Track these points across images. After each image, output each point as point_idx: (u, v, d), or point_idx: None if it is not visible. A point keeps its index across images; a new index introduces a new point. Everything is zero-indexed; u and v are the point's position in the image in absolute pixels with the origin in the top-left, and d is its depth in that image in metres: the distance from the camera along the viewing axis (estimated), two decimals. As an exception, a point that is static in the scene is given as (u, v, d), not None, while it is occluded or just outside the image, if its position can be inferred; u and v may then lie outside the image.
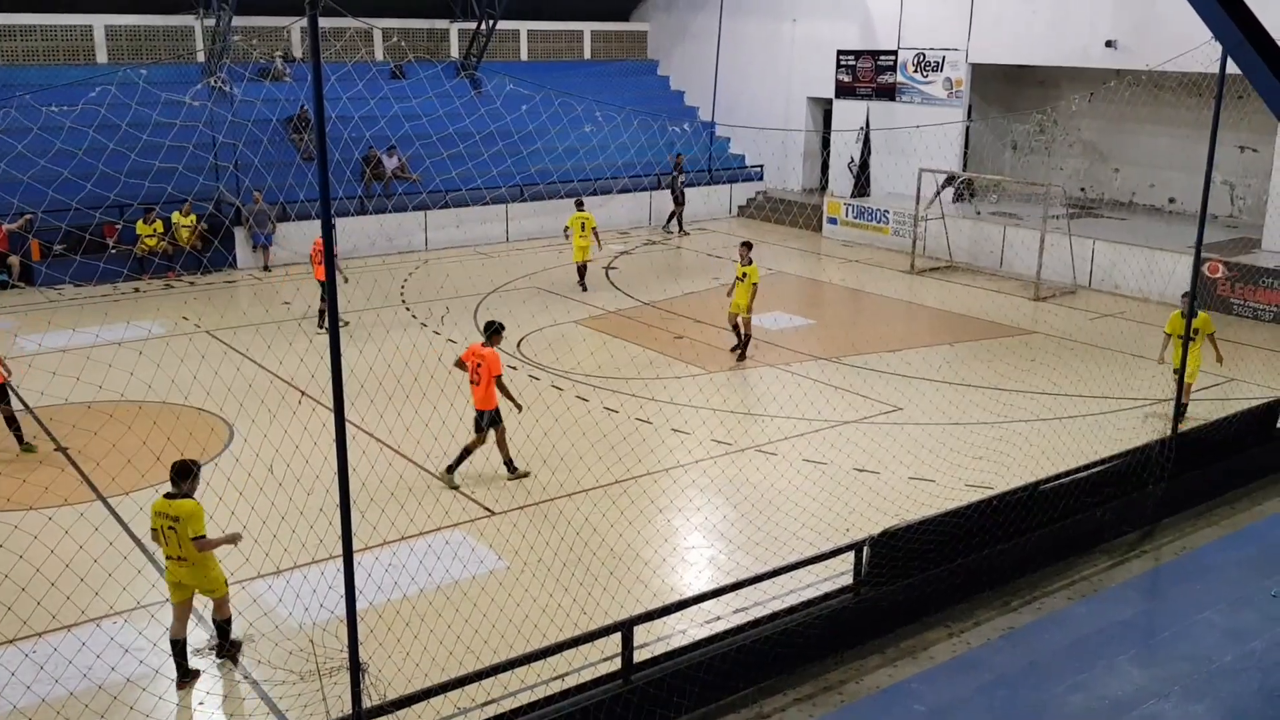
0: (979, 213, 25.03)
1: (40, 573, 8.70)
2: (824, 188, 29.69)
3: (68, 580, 8.82)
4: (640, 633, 8.21)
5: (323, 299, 17.90)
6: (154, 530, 8.56)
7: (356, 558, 7.22)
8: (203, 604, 9.39)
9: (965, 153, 26.56)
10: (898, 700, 6.78)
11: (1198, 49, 12.59)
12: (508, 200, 26.23)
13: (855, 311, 21.43)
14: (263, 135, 23.11)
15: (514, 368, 15.77)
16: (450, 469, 12.25)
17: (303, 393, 13.83)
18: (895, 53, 27.58)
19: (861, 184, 27.82)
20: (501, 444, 12.43)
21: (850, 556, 9.26)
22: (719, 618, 9.14)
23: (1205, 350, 13.94)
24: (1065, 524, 10.59)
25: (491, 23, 29.18)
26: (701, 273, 23.25)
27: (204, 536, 8.41)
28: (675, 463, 12.97)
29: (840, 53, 28.86)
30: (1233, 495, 12.26)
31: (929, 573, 9.52)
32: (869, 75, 28.29)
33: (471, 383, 12.25)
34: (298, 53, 27.88)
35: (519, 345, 17.23)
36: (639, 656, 8.17)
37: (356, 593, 6.92)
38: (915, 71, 27.23)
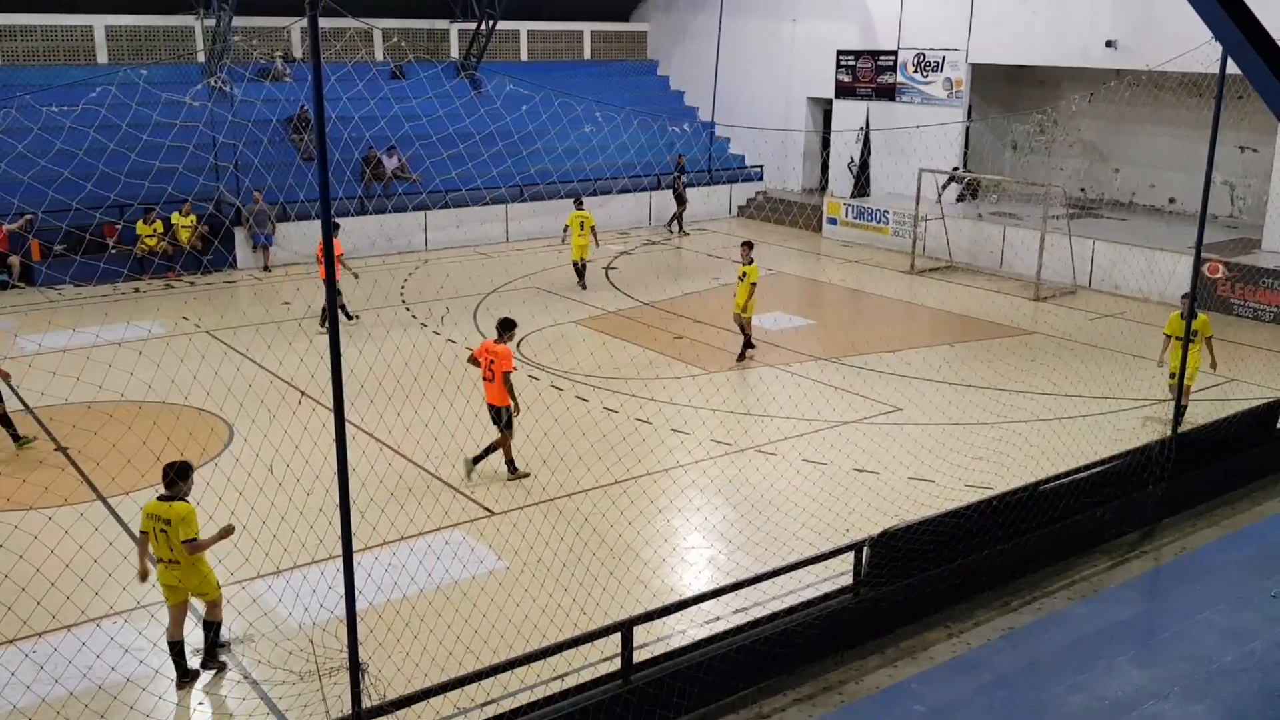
0: (980, 215, 25.02)
1: (40, 573, 8.70)
2: (824, 188, 29.70)
3: (68, 580, 8.82)
4: (640, 633, 8.20)
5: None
6: (143, 532, 8.48)
7: (356, 558, 7.22)
8: (201, 603, 9.39)
9: (965, 153, 26.57)
10: (897, 700, 6.78)
11: (1198, 49, 12.58)
12: (507, 200, 26.23)
13: (855, 312, 21.43)
14: (263, 135, 23.11)
15: (515, 368, 15.76)
16: (475, 460, 12.35)
17: (302, 393, 13.83)
18: (895, 53, 27.58)
19: (861, 184, 27.81)
20: (505, 444, 12.43)
21: (850, 557, 9.25)
22: (719, 618, 9.14)
23: (1203, 353, 13.94)
24: (1065, 524, 10.59)
25: (491, 23, 29.18)
26: (701, 273, 23.25)
27: (196, 539, 8.34)
28: (675, 463, 12.97)
29: (840, 53, 28.87)
30: (1233, 495, 12.26)
31: (929, 573, 9.52)
32: (869, 75, 28.30)
33: (485, 379, 12.30)
34: (298, 53, 27.88)
35: (519, 345, 17.23)
36: (639, 657, 8.16)
37: (356, 593, 6.92)
38: (915, 72, 27.23)
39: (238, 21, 25.19)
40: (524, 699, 7.82)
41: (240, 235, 23.17)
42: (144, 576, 8.54)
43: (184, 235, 22.24)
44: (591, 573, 9.92)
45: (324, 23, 6.07)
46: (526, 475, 12.45)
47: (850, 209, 27.28)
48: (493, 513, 11.62)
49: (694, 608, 8.86)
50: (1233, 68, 7.05)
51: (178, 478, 8.44)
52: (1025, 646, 7.44)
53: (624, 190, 27.45)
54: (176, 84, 22.54)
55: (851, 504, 11.43)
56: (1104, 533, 11.02)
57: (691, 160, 29.19)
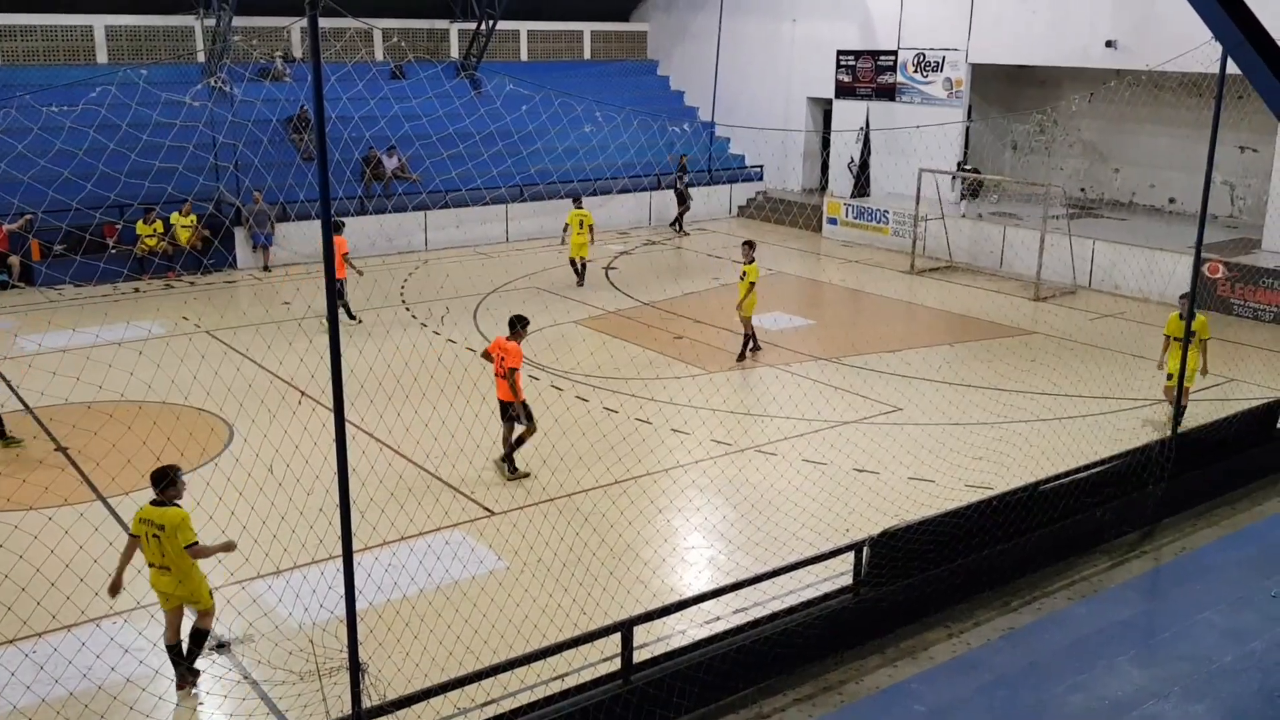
0: (980, 215, 25.03)
1: (40, 573, 8.70)
2: (824, 188, 29.69)
3: (68, 580, 8.81)
4: (640, 633, 8.20)
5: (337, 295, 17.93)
6: (133, 536, 8.35)
7: (356, 558, 7.22)
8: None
9: (965, 153, 26.55)
10: (897, 700, 6.78)
11: (1198, 49, 12.58)
12: (507, 200, 26.23)
13: (855, 312, 21.42)
14: (263, 135, 23.11)
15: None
16: (505, 458, 12.42)
17: (302, 393, 13.83)
18: (895, 53, 27.58)
19: (861, 184, 27.81)
20: (507, 442, 12.44)
21: (850, 557, 9.25)
22: (719, 618, 9.14)
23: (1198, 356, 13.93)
24: (1065, 524, 10.59)
25: (491, 23, 29.18)
26: (701, 273, 23.25)
27: (197, 543, 8.25)
28: (675, 463, 12.97)
29: (840, 53, 28.86)
30: (1233, 495, 12.26)
31: (929, 573, 9.52)
32: (869, 75, 28.29)
33: (497, 375, 12.33)
34: (298, 53, 27.87)
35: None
36: (639, 657, 8.16)
37: (356, 593, 6.92)
38: (915, 72, 27.23)
39: (238, 21, 25.19)
40: (524, 699, 7.82)
41: (240, 235, 23.17)
42: (115, 590, 8.30)
43: (184, 235, 22.24)
44: (591, 573, 9.92)
45: (324, 23, 6.07)
46: (526, 475, 12.45)
47: (850, 209, 27.28)
48: (493, 513, 11.62)
49: (694, 608, 8.86)
50: (1233, 68, 7.05)
51: (166, 483, 8.27)
52: (1025, 646, 7.44)
53: (624, 190, 27.45)
54: (176, 84, 22.54)
55: (851, 504, 11.44)
56: (1104, 533, 11.02)
57: (692, 160, 29.18)
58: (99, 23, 26.16)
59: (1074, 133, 26.85)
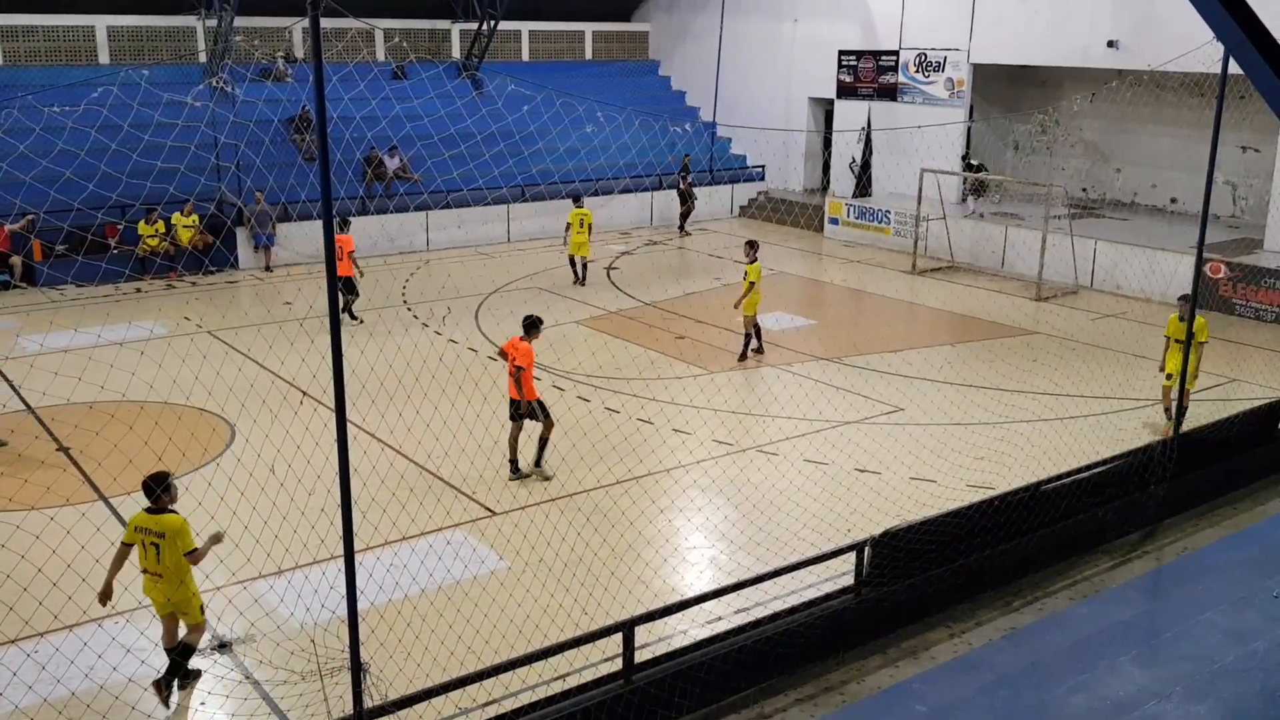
0: (981, 215, 25.03)
1: (42, 573, 8.70)
2: (825, 188, 29.68)
3: (70, 580, 8.81)
4: (641, 633, 8.21)
5: (345, 293, 18.00)
6: (126, 544, 8.21)
7: (358, 557, 7.23)
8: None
9: (967, 153, 26.54)
10: (899, 700, 6.77)
11: (1199, 49, 12.60)
12: (509, 200, 26.24)
13: (856, 312, 21.42)
14: (264, 136, 23.12)
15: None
16: (536, 463, 12.45)
17: (304, 393, 13.83)
18: (896, 53, 27.58)
19: (863, 184, 27.81)
20: (513, 442, 12.46)
21: (851, 557, 9.26)
22: (720, 618, 9.14)
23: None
24: (1067, 524, 10.59)
25: (493, 23, 29.19)
26: (703, 273, 23.25)
27: (196, 550, 8.19)
28: (676, 463, 12.97)
29: (841, 53, 28.86)
30: (1235, 495, 12.25)
31: (930, 573, 9.52)
32: (870, 75, 28.29)
33: (509, 374, 12.36)
34: (299, 53, 27.88)
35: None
36: (640, 657, 8.16)
37: (358, 593, 6.92)
38: (916, 72, 27.23)
39: (239, 22, 25.21)
40: (525, 699, 7.82)
41: (242, 236, 23.18)
42: (106, 598, 8.20)
43: (185, 235, 22.25)
44: (593, 572, 9.93)
45: (325, 23, 6.07)
46: (528, 476, 12.46)
47: (852, 209, 27.28)
48: (494, 512, 11.62)
49: (695, 608, 8.86)
50: (1234, 67, 7.05)
51: (161, 490, 8.16)
52: (1027, 646, 7.44)
53: (625, 190, 27.45)
54: (178, 84, 22.57)
55: (853, 504, 11.43)
56: (1106, 533, 11.02)
57: (693, 161, 29.19)
58: (101, 23, 26.18)
59: (1075, 133, 26.84)
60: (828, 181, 29.85)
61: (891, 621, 9.37)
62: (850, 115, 28.57)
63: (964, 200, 25.73)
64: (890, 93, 27.82)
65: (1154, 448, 11.39)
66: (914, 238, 24.27)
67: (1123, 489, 11.10)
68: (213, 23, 25.43)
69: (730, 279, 17.83)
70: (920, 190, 23.83)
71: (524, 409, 12.33)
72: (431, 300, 20.09)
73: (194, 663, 8.66)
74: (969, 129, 26.75)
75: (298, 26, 27.17)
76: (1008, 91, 27.96)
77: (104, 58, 26.16)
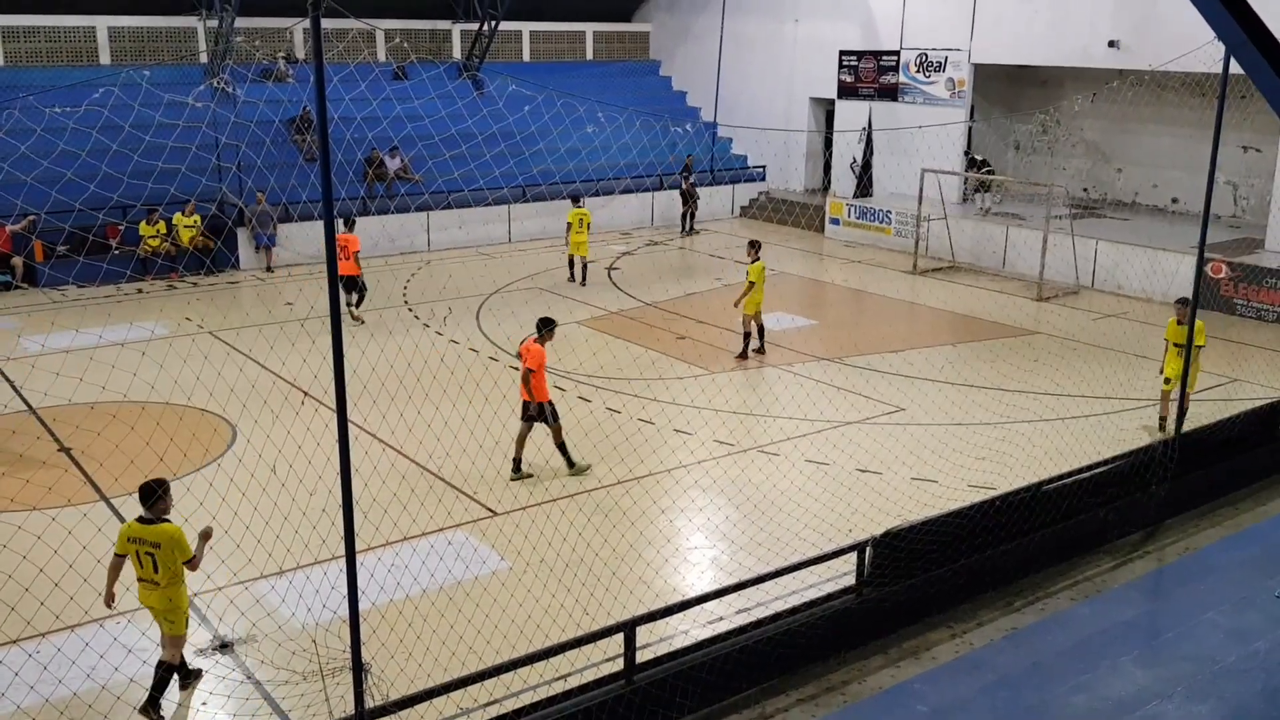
0: (988, 210, 25.03)
1: (44, 573, 8.72)
2: (826, 188, 29.68)
3: (71, 581, 8.83)
4: (643, 633, 8.21)
5: (349, 292, 18.02)
6: (120, 555, 8.11)
7: (359, 558, 7.23)
8: (204, 604, 9.40)
9: (968, 153, 26.55)
10: (900, 701, 6.77)
11: (1200, 49, 12.59)
12: (510, 201, 26.25)
13: (857, 312, 21.42)
14: (265, 136, 23.10)
15: (516, 368, 15.78)
16: (569, 464, 12.46)
17: (305, 393, 13.83)
18: (897, 53, 27.58)
19: (864, 184, 27.81)
20: (520, 443, 12.46)
21: (853, 557, 9.26)
22: (721, 618, 9.14)
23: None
24: (1068, 524, 10.59)
25: (494, 24, 29.20)
26: (704, 273, 23.24)
27: (194, 557, 8.13)
28: (678, 463, 12.97)
29: (842, 53, 28.86)
30: (1236, 496, 12.25)
31: (932, 573, 9.52)
32: (871, 75, 28.29)
33: (522, 377, 12.39)
34: (300, 54, 27.89)
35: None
36: (641, 657, 8.17)
37: (359, 593, 6.92)
38: (917, 72, 27.23)
39: (240, 22, 25.22)
40: (527, 699, 7.82)
41: (243, 236, 23.19)
42: (110, 601, 8.20)
43: (186, 236, 22.26)
44: (594, 573, 9.93)
45: (326, 23, 6.07)
46: (529, 476, 12.46)
47: (853, 209, 27.28)
48: (495, 513, 11.62)
49: (697, 608, 8.86)
50: (1235, 67, 7.05)
51: (156, 499, 8.05)
52: (1028, 647, 7.43)
53: (626, 191, 27.45)
54: (179, 85, 22.58)
55: (854, 504, 11.43)
56: (1107, 533, 11.02)
57: (695, 161, 29.18)
58: (102, 24, 26.20)
59: (1076, 133, 26.84)
60: (829, 182, 29.85)
61: (893, 621, 9.37)
62: (851, 115, 28.58)
63: (970, 199, 25.71)
64: (891, 93, 27.82)
65: (1155, 448, 11.38)
66: (915, 238, 24.27)
67: (1124, 489, 11.10)
68: (214, 23, 25.44)
69: (731, 279, 17.82)
70: (921, 190, 23.83)
71: (534, 410, 12.34)
72: (432, 301, 20.10)
73: (195, 663, 8.67)
74: (970, 129, 26.75)
75: (299, 27, 27.20)
76: (1008, 91, 27.96)
77: (105, 58, 26.18)
